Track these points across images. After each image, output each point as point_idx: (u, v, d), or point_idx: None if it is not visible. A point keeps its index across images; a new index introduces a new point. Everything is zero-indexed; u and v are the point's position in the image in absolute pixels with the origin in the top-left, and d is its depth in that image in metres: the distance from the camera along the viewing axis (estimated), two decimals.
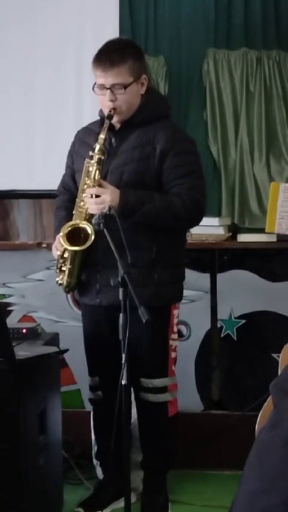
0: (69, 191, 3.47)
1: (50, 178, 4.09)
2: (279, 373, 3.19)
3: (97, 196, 3.15)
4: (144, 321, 2.71)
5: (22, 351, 3.00)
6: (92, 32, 4.33)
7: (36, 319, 4.08)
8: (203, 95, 4.34)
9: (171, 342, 3.40)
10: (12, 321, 4.01)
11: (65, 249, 3.25)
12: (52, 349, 3.21)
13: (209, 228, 3.92)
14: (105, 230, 2.93)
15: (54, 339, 3.41)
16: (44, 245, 4.10)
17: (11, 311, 4.14)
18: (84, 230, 3.22)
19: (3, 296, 4.15)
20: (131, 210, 3.17)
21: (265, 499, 1.62)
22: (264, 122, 4.30)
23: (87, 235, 3.20)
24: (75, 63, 4.38)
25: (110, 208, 3.02)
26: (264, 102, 4.29)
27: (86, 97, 4.28)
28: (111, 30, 4.23)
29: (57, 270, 3.34)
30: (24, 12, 4.41)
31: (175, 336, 3.44)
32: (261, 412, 3.18)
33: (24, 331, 3.33)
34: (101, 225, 2.95)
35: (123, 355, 2.84)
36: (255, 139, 4.31)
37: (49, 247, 3.96)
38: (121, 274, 2.82)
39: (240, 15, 4.30)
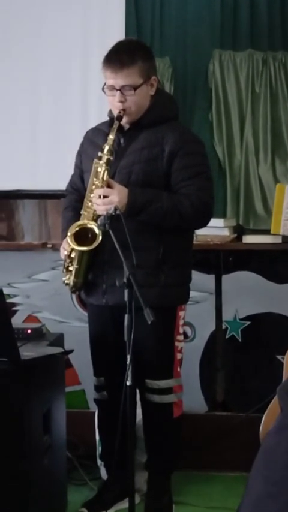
0: (77, 191, 3.47)
1: (55, 179, 4.10)
2: (283, 374, 3.18)
3: (105, 196, 3.16)
4: (149, 323, 2.71)
5: (27, 351, 2.99)
6: (97, 33, 4.34)
7: (41, 320, 4.07)
8: (208, 96, 4.34)
9: (176, 343, 3.40)
10: (17, 321, 4.01)
11: (72, 249, 3.25)
12: (57, 349, 3.20)
13: (214, 229, 3.91)
14: (110, 231, 2.93)
15: (59, 340, 3.41)
16: (49, 245, 4.09)
17: (15, 311, 4.14)
18: (91, 230, 3.21)
19: (8, 296, 4.14)
20: (139, 209, 3.17)
21: (271, 503, 1.61)
22: (270, 123, 4.30)
23: (94, 236, 3.20)
24: (81, 64, 4.39)
25: (115, 209, 3.02)
26: (270, 103, 4.29)
27: (92, 98, 4.29)
28: (117, 31, 4.24)
29: (64, 270, 3.34)
30: (29, 12, 4.41)
31: (181, 338, 3.44)
32: (265, 413, 3.17)
33: (29, 331, 3.32)
34: (107, 225, 2.95)
35: (128, 356, 2.84)
36: (261, 141, 4.31)
37: (54, 248, 3.97)
38: (126, 275, 2.82)
39: (246, 16, 4.31)
